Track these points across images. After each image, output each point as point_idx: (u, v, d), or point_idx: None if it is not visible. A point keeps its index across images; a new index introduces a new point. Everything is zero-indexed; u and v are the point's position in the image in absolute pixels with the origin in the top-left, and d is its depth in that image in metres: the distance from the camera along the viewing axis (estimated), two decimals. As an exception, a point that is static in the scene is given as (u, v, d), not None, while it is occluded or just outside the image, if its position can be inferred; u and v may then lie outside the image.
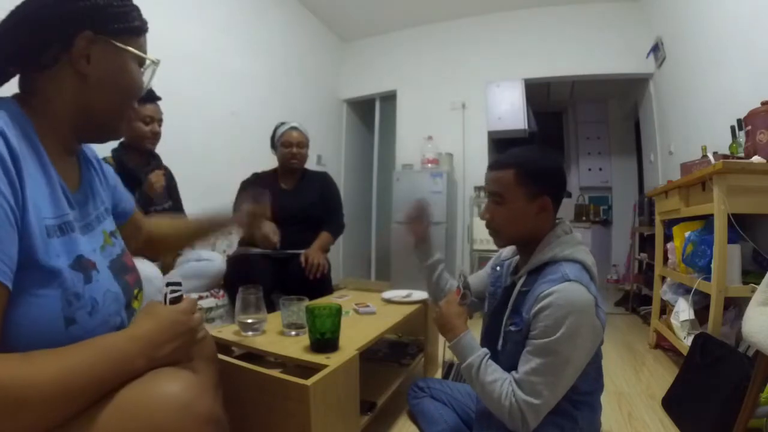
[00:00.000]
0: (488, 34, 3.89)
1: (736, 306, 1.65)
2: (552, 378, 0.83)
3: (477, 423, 1.04)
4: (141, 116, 1.65)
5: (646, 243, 3.20)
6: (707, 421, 1.26)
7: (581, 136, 5.21)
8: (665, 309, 2.25)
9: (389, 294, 1.71)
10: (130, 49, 0.62)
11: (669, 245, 2.11)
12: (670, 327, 1.97)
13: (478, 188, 3.66)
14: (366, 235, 4.48)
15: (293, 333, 1.16)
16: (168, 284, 0.64)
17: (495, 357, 0.95)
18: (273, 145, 2.12)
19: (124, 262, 0.67)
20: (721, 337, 1.50)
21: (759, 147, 1.63)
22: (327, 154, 4.11)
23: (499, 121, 3.69)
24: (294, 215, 1.97)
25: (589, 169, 5.11)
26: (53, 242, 0.51)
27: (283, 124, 2.10)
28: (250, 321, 1.16)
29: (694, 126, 2.56)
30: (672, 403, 1.51)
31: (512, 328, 0.93)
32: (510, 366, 0.90)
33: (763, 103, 1.65)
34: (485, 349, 0.95)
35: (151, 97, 1.70)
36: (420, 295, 1.69)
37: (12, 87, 0.59)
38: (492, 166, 1.00)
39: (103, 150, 0.81)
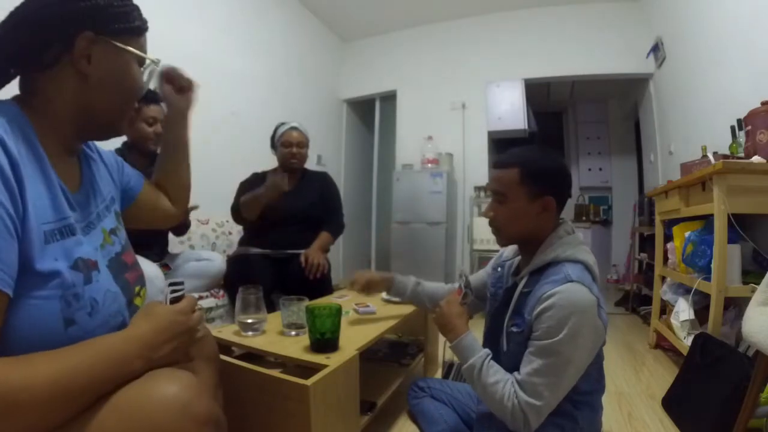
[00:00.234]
0: (488, 34, 3.89)
1: (736, 306, 1.65)
2: (554, 379, 0.83)
3: (478, 423, 1.04)
4: (144, 117, 1.65)
5: (646, 243, 3.20)
6: (707, 421, 1.26)
7: (581, 136, 5.21)
8: (665, 309, 2.25)
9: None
10: (131, 49, 0.62)
11: (669, 245, 2.11)
12: (670, 327, 1.97)
13: (478, 188, 3.66)
14: (366, 235, 4.49)
15: (293, 333, 1.16)
16: (170, 284, 0.64)
17: (497, 358, 0.95)
18: (273, 145, 2.12)
19: (123, 260, 0.67)
20: (721, 337, 1.50)
21: (759, 147, 1.63)
22: (327, 154, 4.11)
23: (499, 121, 3.70)
24: (294, 215, 1.98)
25: (589, 169, 5.11)
26: (52, 247, 0.51)
27: (283, 124, 2.10)
28: (250, 321, 1.16)
29: (694, 126, 2.56)
30: (672, 403, 1.51)
31: (514, 329, 0.93)
32: (512, 367, 0.90)
33: (763, 103, 1.65)
34: (487, 350, 0.95)
35: (155, 99, 1.70)
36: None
37: (13, 89, 0.59)
38: (495, 165, 1.00)
39: (106, 149, 0.81)
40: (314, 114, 3.91)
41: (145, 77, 0.67)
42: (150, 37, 0.68)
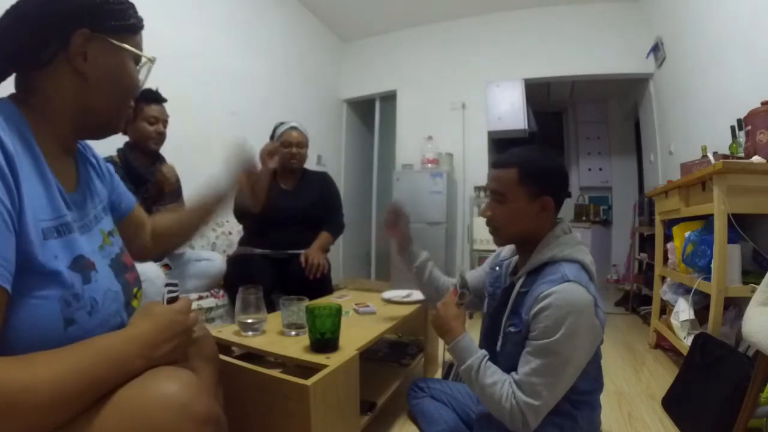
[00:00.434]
0: (488, 34, 3.89)
1: (736, 306, 1.65)
2: (552, 379, 0.83)
3: (477, 423, 1.04)
4: (146, 116, 1.66)
5: (646, 243, 3.20)
6: (707, 421, 1.26)
7: (581, 136, 5.21)
8: (665, 309, 2.25)
9: (389, 294, 1.71)
10: (127, 46, 0.62)
11: (669, 245, 2.11)
12: (670, 327, 1.97)
13: (478, 188, 3.66)
14: (366, 235, 4.48)
15: (293, 333, 1.16)
16: (166, 285, 0.64)
17: (494, 358, 0.95)
18: (273, 145, 2.12)
19: (123, 261, 0.67)
20: (721, 337, 1.50)
21: (759, 147, 1.63)
22: (327, 154, 4.11)
23: (499, 121, 3.69)
24: (294, 215, 1.98)
25: (589, 169, 5.11)
26: (50, 244, 0.51)
27: (282, 123, 2.10)
28: (250, 321, 1.16)
29: (694, 126, 2.56)
30: (672, 403, 1.51)
31: (512, 329, 0.93)
32: (509, 367, 0.90)
33: (763, 103, 1.65)
34: (484, 351, 0.95)
35: (157, 99, 1.71)
36: (420, 295, 1.69)
37: (9, 88, 0.59)
38: (494, 165, 1.00)
39: (108, 149, 0.81)
40: (314, 114, 3.90)
41: (141, 76, 0.67)
42: (149, 36, 0.68)
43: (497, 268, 1.12)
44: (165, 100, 1.74)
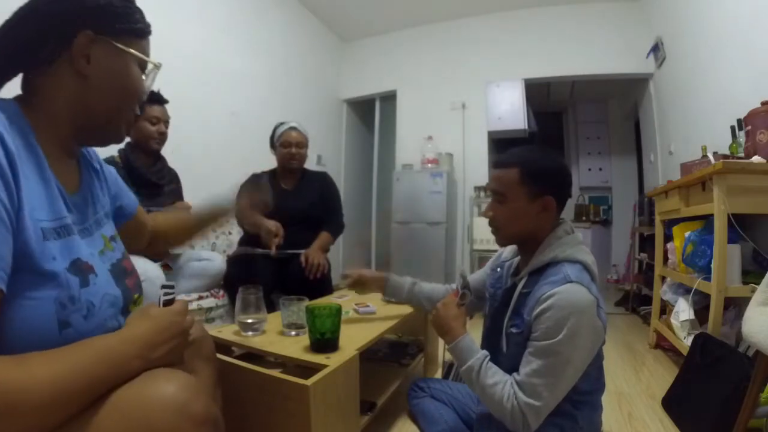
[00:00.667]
0: (488, 34, 3.89)
1: (736, 306, 1.65)
2: (553, 379, 0.83)
3: (478, 424, 1.04)
4: (148, 116, 1.66)
5: (646, 243, 3.20)
6: (707, 421, 1.26)
7: (581, 136, 5.21)
8: (665, 309, 2.25)
9: (389, 294, 1.71)
10: (131, 50, 0.61)
11: (669, 245, 2.11)
12: (670, 327, 1.97)
13: (478, 188, 3.66)
14: (366, 235, 4.48)
15: (293, 333, 1.16)
16: (162, 287, 0.64)
17: (496, 359, 0.95)
18: (272, 145, 2.12)
19: (124, 266, 0.67)
20: (721, 337, 1.50)
21: (759, 147, 1.63)
22: (327, 154, 4.11)
23: (499, 121, 3.70)
24: (294, 215, 1.97)
25: (589, 169, 5.11)
26: (49, 245, 0.51)
27: (282, 124, 2.10)
28: (250, 321, 1.16)
29: (694, 126, 2.56)
30: (672, 403, 1.51)
31: (513, 330, 0.93)
32: (511, 368, 0.90)
33: (763, 103, 1.65)
34: (485, 352, 0.95)
35: (158, 99, 1.71)
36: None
37: (14, 89, 0.59)
38: (495, 165, 1.00)
39: (110, 149, 0.81)
40: (314, 114, 3.90)
41: (147, 82, 0.66)
42: (150, 37, 0.67)
43: (498, 269, 1.12)
44: (166, 102, 1.75)
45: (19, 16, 0.56)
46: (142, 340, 0.52)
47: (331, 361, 0.96)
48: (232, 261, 1.95)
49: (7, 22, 0.56)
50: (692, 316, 1.77)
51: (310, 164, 2.29)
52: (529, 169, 0.94)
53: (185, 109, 2.40)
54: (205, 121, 2.66)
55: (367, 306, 1.50)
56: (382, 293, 1.41)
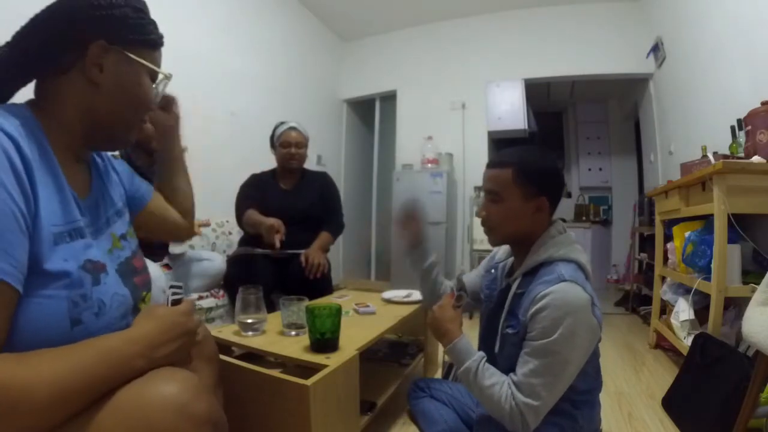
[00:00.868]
0: (488, 34, 3.89)
1: (736, 306, 1.65)
2: (551, 379, 0.83)
3: (478, 424, 1.04)
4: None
5: (646, 243, 3.20)
6: (707, 421, 1.26)
7: (581, 136, 5.21)
8: (665, 309, 2.25)
9: (389, 294, 1.71)
10: (143, 61, 0.62)
11: (669, 245, 2.11)
12: (670, 327, 1.97)
13: (478, 188, 3.67)
14: (366, 235, 4.48)
15: (293, 333, 1.16)
16: (170, 286, 0.64)
17: (492, 360, 0.95)
18: (272, 145, 2.12)
19: (133, 264, 0.68)
20: (721, 337, 1.50)
21: (759, 147, 1.63)
22: (327, 154, 4.11)
23: (499, 121, 3.70)
24: (294, 215, 1.97)
25: (589, 169, 5.11)
26: (61, 248, 0.52)
27: (282, 123, 2.10)
28: (250, 321, 1.16)
29: (694, 126, 2.56)
30: (672, 403, 1.51)
31: (509, 331, 0.93)
32: (508, 368, 0.90)
33: (763, 103, 1.65)
34: (482, 353, 0.95)
35: None
36: (420, 295, 1.69)
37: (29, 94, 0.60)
38: (490, 165, 1.00)
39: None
40: (314, 114, 3.90)
41: (157, 92, 0.67)
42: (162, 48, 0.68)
43: (492, 270, 1.12)
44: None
45: (35, 23, 0.57)
46: (145, 340, 0.53)
47: (331, 361, 0.96)
48: (232, 261, 1.95)
49: (23, 29, 0.57)
50: (692, 316, 1.77)
51: (310, 164, 2.29)
52: (524, 169, 0.94)
53: (185, 108, 2.40)
54: (205, 121, 2.66)
55: (367, 306, 1.50)
56: (414, 247, 1.28)
